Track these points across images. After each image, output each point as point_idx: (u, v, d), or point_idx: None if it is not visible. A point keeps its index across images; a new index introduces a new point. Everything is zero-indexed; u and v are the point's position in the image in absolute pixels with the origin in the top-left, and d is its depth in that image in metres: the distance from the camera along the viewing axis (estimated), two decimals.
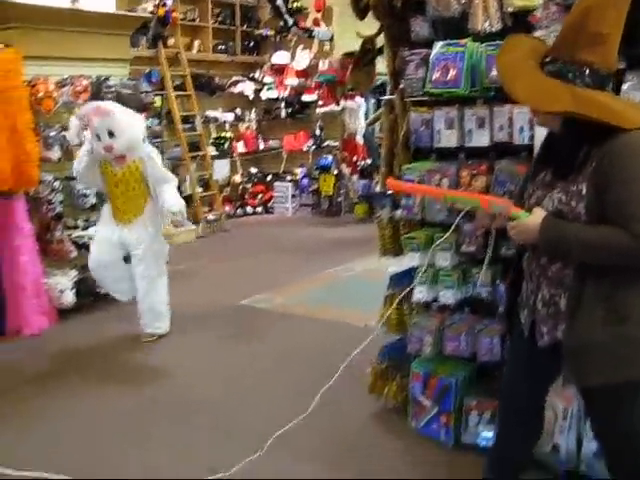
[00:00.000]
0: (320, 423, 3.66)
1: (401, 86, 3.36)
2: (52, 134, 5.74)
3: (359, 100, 10.26)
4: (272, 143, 11.48)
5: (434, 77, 3.09)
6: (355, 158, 10.38)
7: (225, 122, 10.96)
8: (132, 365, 4.75)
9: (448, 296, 3.25)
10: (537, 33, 2.76)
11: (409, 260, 3.37)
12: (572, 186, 2.21)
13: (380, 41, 3.60)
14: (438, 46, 3.11)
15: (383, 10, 3.34)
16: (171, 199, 5.01)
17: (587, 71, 2.14)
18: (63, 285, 5.55)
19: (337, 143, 10.65)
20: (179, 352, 4.92)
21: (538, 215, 2.22)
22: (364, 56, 3.63)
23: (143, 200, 5.11)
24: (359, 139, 10.45)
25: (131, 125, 4.94)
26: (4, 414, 3.95)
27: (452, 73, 2.99)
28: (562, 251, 2.23)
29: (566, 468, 3.00)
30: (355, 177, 10.36)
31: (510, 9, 2.95)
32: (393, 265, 3.81)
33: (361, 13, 3.43)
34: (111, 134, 4.80)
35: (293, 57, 10.92)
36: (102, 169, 5.07)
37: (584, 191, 2.17)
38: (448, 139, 3.20)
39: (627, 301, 2.19)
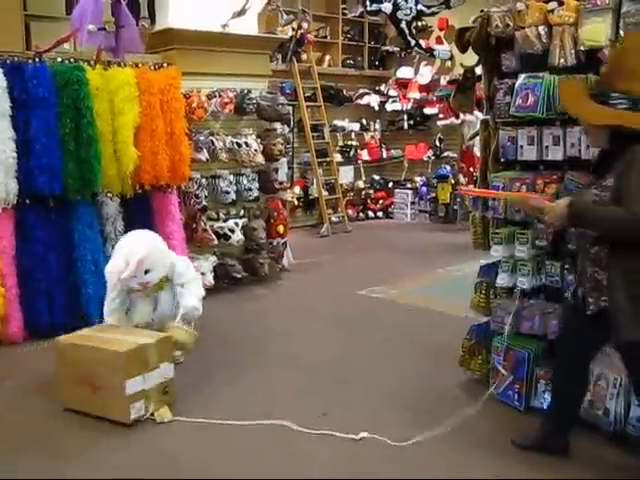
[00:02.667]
0: (416, 390, 4.42)
1: (493, 109, 4.06)
2: (201, 139, 6.64)
3: (478, 114, 10.75)
4: (394, 152, 12.14)
5: (517, 103, 3.78)
6: (471, 169, 10.83)
7: (351, 131, 11.74)
8: (263, 337, 5.60)
9: (524, 283, 3.92)
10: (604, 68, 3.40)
11: (494, 252, 4.04)
12: (604, 182, 3.00)
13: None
14: (522, 77, 3.79)
15: (481, 45, 4.04)
16: (190, 299, 4.64)
17: (626, 97, 2.90)
18: (204, 268, 6.42)
19: (455, 154, 11.19)
20: (303, 330, 5.71)
21: (564, 199, 3.11)
22: (465, 82, 4.29)
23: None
24: (476, 151, 10.95)
25: (162, 257, 4.69)
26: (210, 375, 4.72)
27: (531, 100, 3.66)
28: (586, 222, 3.03)
29: (614, 429, 3.59)
30: (471, 187, 10.84)
31: (582, 47, 3.56)
32: (484, 258, 4.51)
33: (463, 47, 4.12)
34: (147, 272, 4.53)
35: (416, 72, 11.57)
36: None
37: (611, 184, 2.94)
38: (529, 153, 3.87)
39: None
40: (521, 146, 3.89)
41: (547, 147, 3.78)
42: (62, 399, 4.14)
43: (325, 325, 5.83)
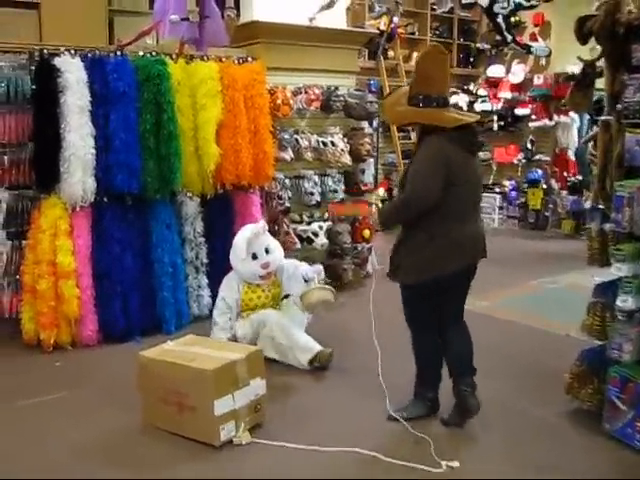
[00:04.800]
0: (516, 419, 3.97)
1: (618, 108, 3.58)
2: (286, 137, 6.35)
3: (573, 116, 10.23)
4: (482, 154, 11.62)
5: None
6: (565, 173, 10.37)
7: None
8: (346, 352, 5.23)
9: None
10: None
11: (615, 270, 3.57)
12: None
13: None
14: None
15: (606, 36, 3.57)
16: (306, 267, 5.02)
17: (424, 97, 3.55)
18: None
19: (548, 158, 10.66)
20: (387, 344, 5.32)
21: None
22: (584, 79, 3.84)
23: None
24: (571, 155, 10.41)
25: (277, 244, 5.12)
26: None
27: None
28: (386, 220, 3.90)
29: None
30: (564, 193, 10.30)
31: None
32: (599, 275, 4.04)
33: (583, 38, 3.67)
34: (267, 251, 4.92)
35: (508, 71, 11.07)
36: (247, 296, 5.02)
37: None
38: None
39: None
40: None
41: None
42: (147, 416, 3.89)
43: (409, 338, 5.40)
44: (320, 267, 5.02)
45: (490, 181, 11.50)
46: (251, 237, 4.83)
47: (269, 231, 6.04)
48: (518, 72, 10.89)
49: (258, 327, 4.82)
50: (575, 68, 10.32)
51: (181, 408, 3.65)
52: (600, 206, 3.81)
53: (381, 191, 10.12)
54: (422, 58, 3.66)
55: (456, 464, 3.43)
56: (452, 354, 3.86)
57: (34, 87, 5.05)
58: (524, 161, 10.95)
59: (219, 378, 3.56)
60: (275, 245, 5.05)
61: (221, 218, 5.89)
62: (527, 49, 8.93)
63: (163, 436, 3.74)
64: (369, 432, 3.81)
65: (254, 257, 4.90)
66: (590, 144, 9.96)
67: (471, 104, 11.40)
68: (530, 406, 4.15)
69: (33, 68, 5.07)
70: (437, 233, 3.59)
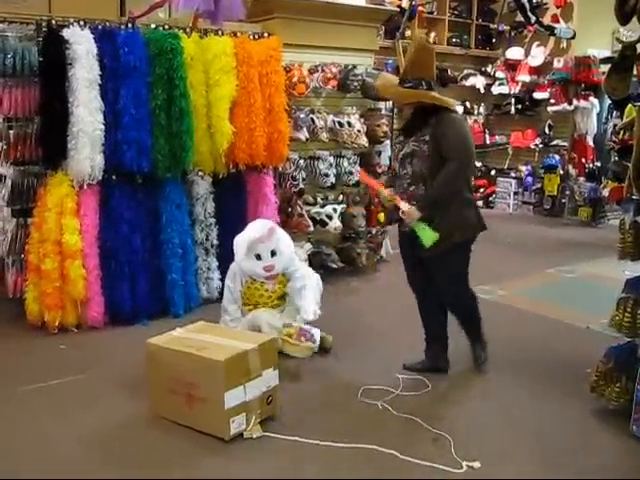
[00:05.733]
0: (538, 416, 3.80)
1: None
2: (302, 116, 6.15)
3: (593, 101, 9.98)
4: (498, 138, 11.46)
5: None
6: (583, 160, 10.14)
7: None
8: (360, 339, 5.06)
9: None
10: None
11: None
12: (420, 137, 3.95)
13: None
14: None
15: None
16: (309, 305, 4.53)
17: (423, 81, 3.93)
18: (299, 256, 5.92)
19: (565, 143, 10.42)
20: (402, 332, 5.15)
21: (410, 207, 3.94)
22: (622, 62, 3.63)
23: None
24: (589, 141, 10.18)
25: (289, 245, 4.71)
26: None
27: None
28: (432, 202, 3.93)
29: None
30: (582, 179, 10.09)
31: None
32: (630, 269, 3.85)
33: (625, 17, 3.44)
34: (273, 254, 4.56)
35: (527, 53, 10.80)
36: (249, 291, 4.75)
37: (427, 139, 3.91)
38: None
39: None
40: None
41: None
42: (155, 407, 3.72)
43: None
44: (318, 333, 4.43)
45: (506, 166, 11.30)
46: (254, 241, 4.51)
47: (281, 213, 5.91)
48: (538, 55, 10.60)
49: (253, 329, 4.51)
50: (595, 52, 10.15)
51: (190, 399, 3.48)
52: (634, 197, 3.61)
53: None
54: (419, 47, 4.03)
55: (477, 465, 3.27)
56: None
57: (41, 59, 4.86)
58: (541, 146, 10.69)
59: (230, 369, 3.39)
60: (285, 246, 4.63)
61: (233, 199, 5.72)
62: (550, 31, 8.64)
63: (170, 428, 3.57)
64: (386, 427, 3.64)
65: (258, 258, 4.57)
66: (610, 130, 9.90)
67: (488, 86, 11.20)
68: (552, 403, 3.97)
69: (41, 39, 4.89)
70: (469, 197, 4.16)
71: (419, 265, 4.19)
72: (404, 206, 3.94)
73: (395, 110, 9.46)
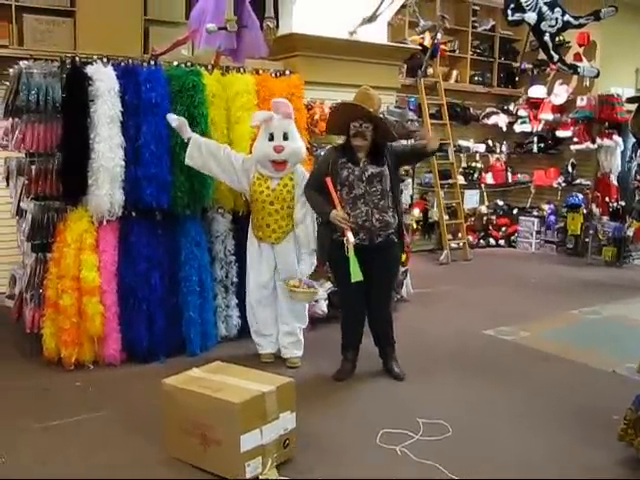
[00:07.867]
0: (566, 465, 3.68)
1: None
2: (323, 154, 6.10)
3: (617, 139, 9.90)
4: (520, 177, 11.37)
5: None
6: (607, 199, 10.03)
7: (476, 152, 11.04)
8: (379, 384, 4.97)
9: None
10: None
11: None
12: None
13: None
14: None
15: None
16: (305, 265, 5.09)
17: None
18: (319, 295, 5.86)
19: (589, 182, 10.32)
20: (422, 376, 5.05)
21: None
22: None
23: (292, 223, 5.05)
24: (613, 179, 10.08)
25: (300, 138, 5.09)
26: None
27: None
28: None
29: None
30: (605, 218, 9.96)
31: None
32: None
33: None
34: (285, 137, 4.87)
35: (550, 91, 10.77)
36: (254, 187, 4.99)
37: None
38: None
39: None
40: None
41: None
42: (169, 447, 3.64)
43: (448, 370, 5.14)
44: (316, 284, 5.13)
45: (528, 204, 11.21)
46: (267, 118, 4.87)
47: None
48: (561, 93, 10.56)
49: None
50: (619, 90, 10.08)
51: (205, 441, 3.40)
52: None
53: (416, 212, 9.84)
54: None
55: None
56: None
57: (64, 95, 4.89)
58: (564, 185, 10.58)
59: (247, 411, 3.31)
60: (297, 136, 5.01)
61: None
62: (574, 69, 8.59)
63: (183, 469, 3.49)
64: (405, 474, 3.53)
65: (271, 138, 4.87)
66: (634, 169, 9.80)
67: (510, 125, 11.16)
68: (578, 451, 3.83)
69: (64, 76, 4.92)
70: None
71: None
72: (350, 236, 4.50)
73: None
